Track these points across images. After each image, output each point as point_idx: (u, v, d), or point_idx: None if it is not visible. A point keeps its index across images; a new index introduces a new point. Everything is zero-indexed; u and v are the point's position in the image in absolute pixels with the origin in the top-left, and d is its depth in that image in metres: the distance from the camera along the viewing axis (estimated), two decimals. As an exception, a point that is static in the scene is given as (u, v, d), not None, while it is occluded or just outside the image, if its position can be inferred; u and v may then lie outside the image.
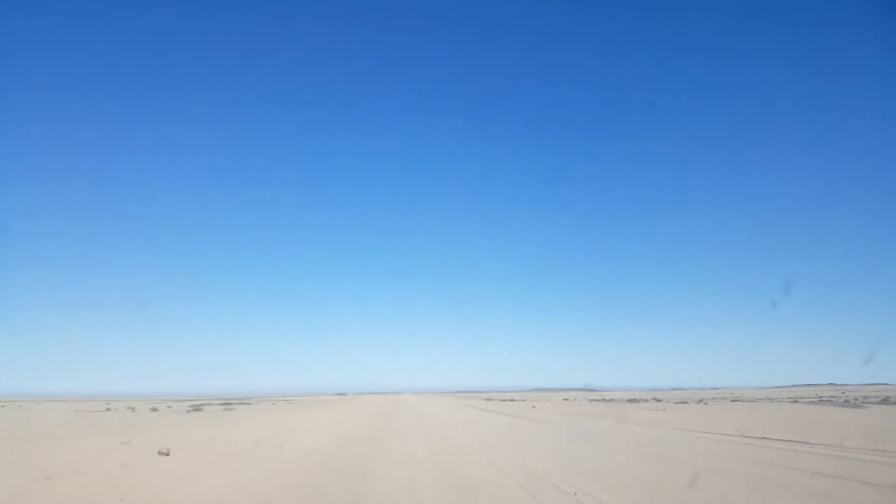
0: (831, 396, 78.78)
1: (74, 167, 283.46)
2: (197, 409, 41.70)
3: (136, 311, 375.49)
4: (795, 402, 60.76)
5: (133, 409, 49.58)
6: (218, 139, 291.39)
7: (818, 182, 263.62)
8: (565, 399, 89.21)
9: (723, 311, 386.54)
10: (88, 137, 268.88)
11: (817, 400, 63.38)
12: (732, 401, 71.62)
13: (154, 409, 41.21)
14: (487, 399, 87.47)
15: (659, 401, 71.03)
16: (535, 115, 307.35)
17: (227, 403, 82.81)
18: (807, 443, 17.85)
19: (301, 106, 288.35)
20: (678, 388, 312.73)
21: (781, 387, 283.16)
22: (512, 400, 79.90)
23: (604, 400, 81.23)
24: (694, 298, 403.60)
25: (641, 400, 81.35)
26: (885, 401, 55.05)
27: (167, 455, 15.01)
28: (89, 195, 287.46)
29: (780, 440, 18.84)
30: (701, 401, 71.53)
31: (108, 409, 49.26)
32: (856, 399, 63.55)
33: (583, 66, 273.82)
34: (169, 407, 51.64)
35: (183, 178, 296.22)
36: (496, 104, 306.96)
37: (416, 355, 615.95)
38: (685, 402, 66.48)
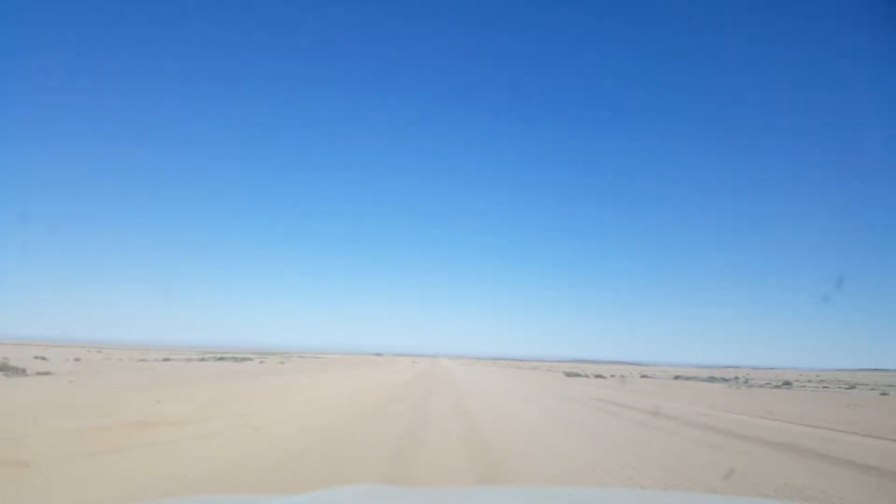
0: None
1: (98, 117, 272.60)
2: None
3: (188, 263, 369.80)
4: None
5: None
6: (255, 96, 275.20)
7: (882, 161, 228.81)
8: (644, 376, 68.40)
9: (775, 292, 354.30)
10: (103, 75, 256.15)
11: None
12: (850, 387, 50.22)
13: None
14: (568, 374, 61.05)
15: (789, 384, 49.80)
16: (579, 90, 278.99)
17: (219, 358, 66.24)
18: None
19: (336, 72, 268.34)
20: (726, 367, 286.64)
21: (842, 370, 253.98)
22: (601, 376, 56.43)
23: (710, 379, 60.55)
24: (742, 278, 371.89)
25: (743, 380, 60.24)
26: None
27: None
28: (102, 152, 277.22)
29: None
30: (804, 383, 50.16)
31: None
32: None
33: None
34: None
35: (220, 134, 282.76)
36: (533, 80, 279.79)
37: (452, 320, 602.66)
38: (827, 386, 45.61)
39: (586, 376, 54.37)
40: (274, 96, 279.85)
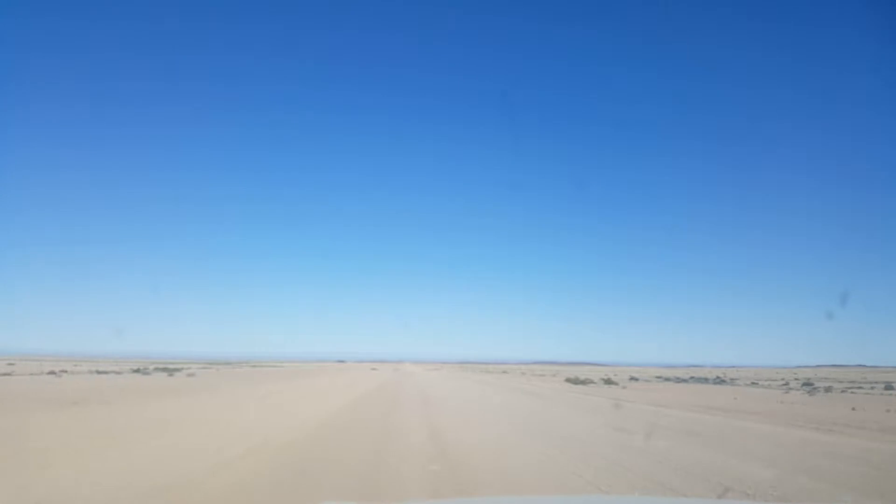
0: None
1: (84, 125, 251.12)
2: None
3: (154, 277, 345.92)
4: None
5: None
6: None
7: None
8: (633, 378, 58.74)
9: (740, 290, 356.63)
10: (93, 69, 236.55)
11: None
12: (887, 388, 42.26)
13: None
14: (573, 381, 43.41)
15: (812, 385, 40.77)
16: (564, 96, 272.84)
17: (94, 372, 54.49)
18: None
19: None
20: (689, 366, 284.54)
21: (805, 367, 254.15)
22: (611, 382, 40.84)
23: (716, 381, 50.75)
24: (703, 276, 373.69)
25: (749, 381, 51.71)
26: None
27: None
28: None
29: None
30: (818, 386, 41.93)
31: None
32: None
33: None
34: None
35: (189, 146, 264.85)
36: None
37: (418, 324, 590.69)
38: (860, 387, 37.32)
39: (593, 382, 42.21)
40: (247, 108, 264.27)
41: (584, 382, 36.17)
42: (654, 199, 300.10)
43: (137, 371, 51.93)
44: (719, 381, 54.96)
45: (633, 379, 55.33)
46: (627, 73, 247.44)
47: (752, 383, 48.58)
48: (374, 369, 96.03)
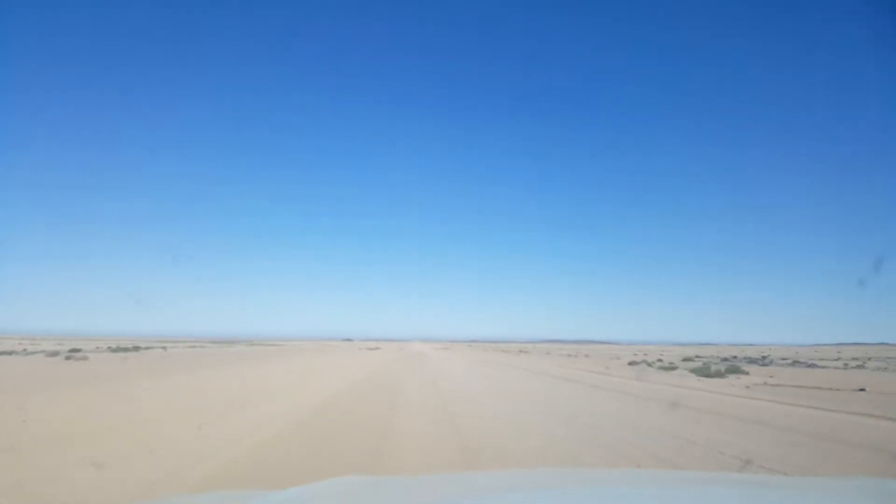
0: None
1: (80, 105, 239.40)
2: None
3: (156, 252, 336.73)
4: None
5: None
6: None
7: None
8: (687, 358, 45.64)
9: (753, 266, 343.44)
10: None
11: None
12: None
13: None
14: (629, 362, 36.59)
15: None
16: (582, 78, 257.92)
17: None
18: None
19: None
20: (705, 344, 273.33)
21: (825, 345, 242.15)
22: (733, 371, 25.03)
23: (791, 363, 38.10)
24: (714, 251, 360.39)
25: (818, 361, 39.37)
26: None
27: None
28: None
29: None
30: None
31: None
32: None
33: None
34: None
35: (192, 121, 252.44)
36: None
37: (426, 302, 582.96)
38: None
39: (661, 365, 30.19)
40: (250, 92, 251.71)
41: (719, 374, 22.20)
42: (662, 177, 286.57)
43: (75, 352, 41.26)
44: (792, 362, 43.57)
45: (685, 360, 43.76)
46: (654, 58, 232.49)
47: (852, 364, 37.23)
48: (375, 348, 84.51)
